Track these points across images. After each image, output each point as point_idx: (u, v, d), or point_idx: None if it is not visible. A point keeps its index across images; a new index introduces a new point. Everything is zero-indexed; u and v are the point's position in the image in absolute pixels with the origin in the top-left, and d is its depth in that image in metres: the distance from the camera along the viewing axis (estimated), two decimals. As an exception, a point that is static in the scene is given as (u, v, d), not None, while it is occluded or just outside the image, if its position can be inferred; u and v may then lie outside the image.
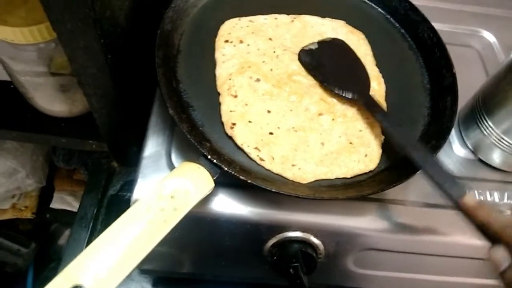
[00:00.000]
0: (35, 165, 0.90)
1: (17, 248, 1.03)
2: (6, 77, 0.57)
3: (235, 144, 0.44)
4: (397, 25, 0.58)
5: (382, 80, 0.51)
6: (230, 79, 0.47)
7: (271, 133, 0.45)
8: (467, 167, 0.52)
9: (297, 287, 0.45)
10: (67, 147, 0.84)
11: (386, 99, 0.50)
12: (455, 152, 0.53)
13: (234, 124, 0.45)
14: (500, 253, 0.32)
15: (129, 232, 0.34)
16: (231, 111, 0.45)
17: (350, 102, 0.48)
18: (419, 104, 0.51)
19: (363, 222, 0.46)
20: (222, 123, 0.45)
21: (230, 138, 0.44)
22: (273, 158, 0.44)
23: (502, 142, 0.49)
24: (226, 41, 0.50)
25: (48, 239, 1.10)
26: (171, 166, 0.46)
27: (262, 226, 0.46)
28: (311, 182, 0.43)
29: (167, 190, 0.37)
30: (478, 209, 0.35)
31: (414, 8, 0.56)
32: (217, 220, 0.46)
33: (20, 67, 0.53)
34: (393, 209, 0.47)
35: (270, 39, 0.52)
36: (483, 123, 0.50)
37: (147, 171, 0.46)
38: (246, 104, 0.46)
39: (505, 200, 0.49)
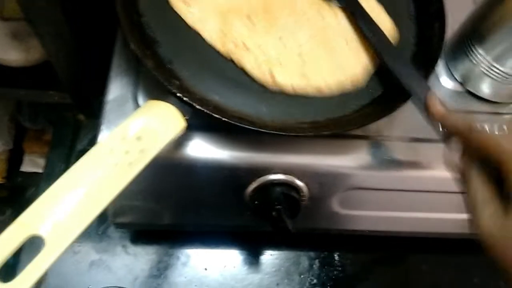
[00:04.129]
0: (0, 127, 0.85)
1: (-7, 215, 0.99)
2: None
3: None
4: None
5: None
6: (226, 35, 0.43)
7: (299, 55, 0.43)
8: (456, 99, 0.49)
9: (281, 231, 0.43)
10: (27, 100, 0.78)
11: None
12: (442, 84, 0.50)
13: (271, 73, 0.41)
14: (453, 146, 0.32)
15: (91, 176, 0.31)
16: (257, 64, 0.42)
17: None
18: (405, 32, 0.47)
19: (348, 161, 0.44)
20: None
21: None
22: (324, 78, 0.42)
23: (493, 70, 0.46)
24: (184, 2, 0.44)
25: (24, 205, 1.06)
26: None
27: (242, 170, 0.43)
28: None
29: (132, 131, 0.33)
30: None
31: None
32: (193, 166, 0.42)
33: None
34: (378, 145, 0.45)
35: None
36: (472, 51, 0.47)
37: (111, 116, 0.42)
38: (260, 46, 0.43)
39: (496, 132, 0.47)
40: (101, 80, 0.51)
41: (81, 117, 0.63)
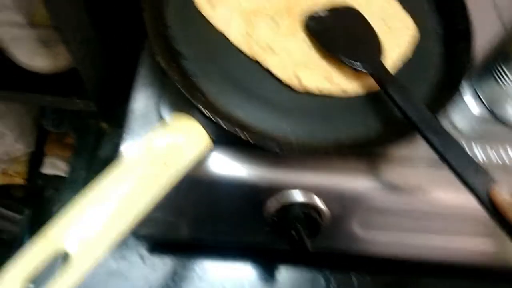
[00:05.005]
0: (23, 129, 0.86)
1: (11, 215, 1.00)
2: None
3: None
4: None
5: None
6: (252, 37, 0.43)
7: (324, 57, 0.43)
8: (481, 124, 0.48)
9: (300, 250, 0.42)
10: (52, 106, 0.80)
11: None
12: (468, 107, 0.49)
13: (298, 76, 0.42)
14: None
15: (118, 190, 0.31)
16: (283, 67, 0.42)
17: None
18: (430, 51, 0.46)
19: (370, 182, 0.43)
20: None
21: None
22: (347, 79, 0.42)
23: (522, 95, 0.45)
24: (210, 3, 0.45)
25: (43, 205, 1.08)
26: (162, 121, 0.42)
27: (262, 187, 0.42)
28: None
29: (156, 144, 0.33)
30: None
31: None
32: (214, 181, 0.42)
33: (-5, 16, 0.48)
34: (401, 167, 0.44)
35: None
36: (501, 74, 0.46)
37: (135, 126, 0.42)
38: (285, 49, 0.43)
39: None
40: (126, 89, 0.52)
41: (104, 125, 0.63)
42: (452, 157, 0.33)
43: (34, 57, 0.55)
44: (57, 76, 0.57)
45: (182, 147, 0.33)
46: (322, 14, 0.46)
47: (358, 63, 0.41)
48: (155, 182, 0.32)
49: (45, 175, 0.95)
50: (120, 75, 0.52)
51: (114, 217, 0.30)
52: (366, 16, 0.46)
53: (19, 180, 0.93)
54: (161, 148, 0.33)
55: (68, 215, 0.29)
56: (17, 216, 1.02)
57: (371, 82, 0.41)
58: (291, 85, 0.42)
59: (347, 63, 0.42)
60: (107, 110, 0.58)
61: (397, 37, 0.46)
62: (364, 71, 0.41)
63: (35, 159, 0.94)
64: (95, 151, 0.62)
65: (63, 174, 0.94)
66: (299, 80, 0.42)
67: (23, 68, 0.56)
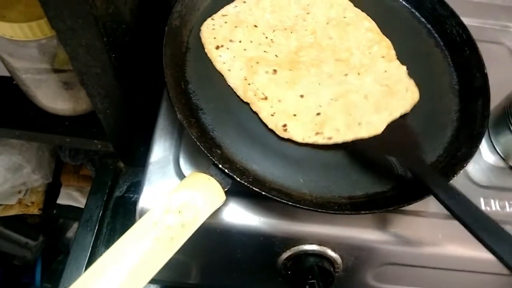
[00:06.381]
0: (40, 161, 0.88)
1: (25, 241, 1.02)
2: (7, 73, 0.55)
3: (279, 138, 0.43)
4: (423, 20, 0.53)
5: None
6: (249, 84, 0.45)
7: (318, 114, 0.44)
8: (497, 175, 0.48)
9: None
10: (72, 146, 0.82)
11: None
12: (483, 158, 0.49)
13: (285, 125, 0.43)
14: None
15: (135, 250, 0.31)
16: (272, 115, 0.43)
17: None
18: (448, 107, 0.47)
19: (384, 236, 0.43)
20: (270, 130, 0.43)
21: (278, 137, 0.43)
22: (338, 130, 0.43)
23: (537, 149, 0.45)
24: (217, 47, 0.47)
25: (56, 232, 1.09)
26: (179, 173, 0.43)
27: (276, 238, 0.43)
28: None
29: (175, 204, 0.34)
30: None
31: (441, 2, 0.52)
32: (228, 231, 0.43)
33: (20, 64, 0.50)
34: (414, 221, 0.44)
35: (255, 26, 0.49)
36: (516, 126, 0.46)
37: (153, 177, 0.43)
38: (280, 100, 0.44)
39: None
40: (143, 131, 0.53)
41: (121, 164, 0.65)
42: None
43: (56, 100, 0.56)
44: (77, 118, 0.58)
45: (199, 208, 0.34)
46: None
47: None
48: (171, 244, 0.32)
49: (60, 205, 0.96)
50: (139, 120, 0.53)
51: (130, 276, 0.31)
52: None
53: (34, 210, 0.94)
54: (179, 209, 0.33)
55: (88, 274, 0.30)
56: (31, 242, 1.03)
57: (362, 131, 0.43)
58: (276, 132, 0.43)
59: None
60: (124, 151, 0.59)
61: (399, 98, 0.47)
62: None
63: (52, 190, 0.96)
64: (111, 190, 0.63)
65: (77, 205, 0.95)
66: (285, 127, 0.43)
67: (43, 109, 0.57)
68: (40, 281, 1.05)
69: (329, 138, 0.43)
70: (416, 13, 0.54)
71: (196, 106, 0.42)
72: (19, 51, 0.48)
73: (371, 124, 0.44)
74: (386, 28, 0.51)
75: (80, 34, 0.37)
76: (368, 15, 0.52)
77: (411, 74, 0.48)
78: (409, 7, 0.54)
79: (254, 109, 0.44)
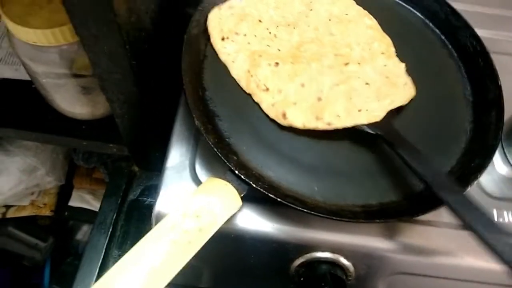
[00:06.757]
0: (55, 163, 0.90)
1: (35, 242, 1.03)
2: (27, 77, 0.56)
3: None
4: (437, 31, 0.54)
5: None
6: (252, 76, 0.45)
7: (319, 99, 0.45)
8: (510, 186, 0.48)
9: (325, 310, 0.42)
10: (87, 150, 0.83)
11: (424, 112, 0.47)
12: (496, 169, 0.49)
13: (284, 113, 0.43)
14: None
15: (153, 252, 0.32)
16: (273, 105, 0.44)
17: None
18: (461, 118, 0.47)
19: (397, 245, 0.43)
20: (272, 120, 0.44)
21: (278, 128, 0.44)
22: (339, 116, 0.44)
23: (551, 161, 0.45)
24: (222, 38, 0.48)
25: (66, 234, 1.10)
26: (195, 178, 0.44)
27: (289, 245, 0.43)
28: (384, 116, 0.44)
29: (192, 209, 0.35)
30: None
31: (455, 13, 0.52)
32: (242, 236, 0.43)
33: (41, 69, 0.51)
34: (427, 230, 0.44)
35: (260, 21, 0.50)
36: (530, 139, 0.46)
37: (170, 182, 0.44)
38: (280, 91, 0.45)
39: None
40: (159, 136, 0.54)
41: (135, 168, 0.65)
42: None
43: (74, 105, 0.57)
44: (94, 121, 0.59)
45: (216, 213, 0.35)
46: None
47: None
48: (188, 247, 0.33)
49: (72, 207, 0.97)
50: (155, 126, 0.54)
51: (148, 279, 0.31)
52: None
53: (46, 212, 0.96)
54: (196, 213, 0.34)
55: (108, 276, 0.31)
56: (41, 244, 1.04)
57: (363, 117, 0.44)
58: (277, 121, 0.44)
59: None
60: (140, 155, 0.60)
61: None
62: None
63: (64, 192, 0.97)
64: (125, 193, 0.64)
65: (89, 207, 0.96)
66: (285, 115, 0.43)
67: (61, 112, 0.58)
68: (49, 283, 1.06)
69: (329, 124, 0.43)
70: (430, 24, 0.54)
71: (213, 113, 0.43)
72: (40, 56, 0.49)
73: (371, 111, 0.44)
74: (399, 39, 0.52)
75: (103, 41, 0.38)
76: (382, 26, 0.53)
77: (425, 85, 0.48)
78: (423, 18, 0.55)
79: (256, 100, 0.45)
